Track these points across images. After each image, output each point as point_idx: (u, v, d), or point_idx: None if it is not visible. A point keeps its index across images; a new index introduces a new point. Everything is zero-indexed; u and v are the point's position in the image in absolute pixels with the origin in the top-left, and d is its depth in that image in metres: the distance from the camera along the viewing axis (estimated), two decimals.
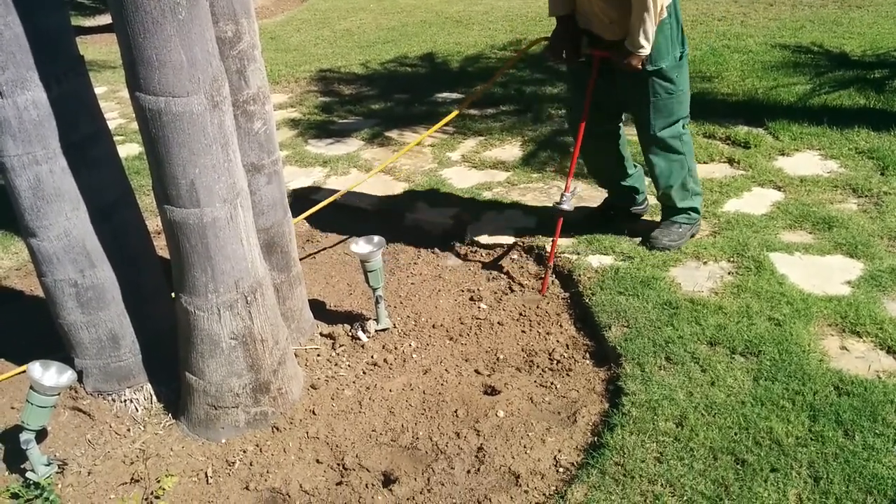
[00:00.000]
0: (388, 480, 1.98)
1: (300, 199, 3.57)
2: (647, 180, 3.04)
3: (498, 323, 2.59)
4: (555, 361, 2.37)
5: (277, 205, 2.32)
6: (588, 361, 2.35)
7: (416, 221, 3.33)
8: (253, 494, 1.97)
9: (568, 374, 2.30)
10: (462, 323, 2.62)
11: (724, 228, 2.89)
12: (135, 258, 2.19)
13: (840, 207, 3.00)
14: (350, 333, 2.58)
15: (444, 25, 7.12)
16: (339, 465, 2.04)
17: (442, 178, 3.66)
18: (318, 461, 2.06)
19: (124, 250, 2.14)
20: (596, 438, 1.98)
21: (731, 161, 3.52)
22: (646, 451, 1.88)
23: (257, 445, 2.12)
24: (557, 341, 2.46)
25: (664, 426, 1.95)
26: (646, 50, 2.36)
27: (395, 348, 2.50)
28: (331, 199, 3.05)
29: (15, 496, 1.95)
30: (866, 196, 3.07)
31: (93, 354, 2.20)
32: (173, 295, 2.09)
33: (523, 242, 3.02)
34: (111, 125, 3.84)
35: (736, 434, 1.90)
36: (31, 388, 1.92)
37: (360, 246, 2.46)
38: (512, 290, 2.79)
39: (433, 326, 2.61)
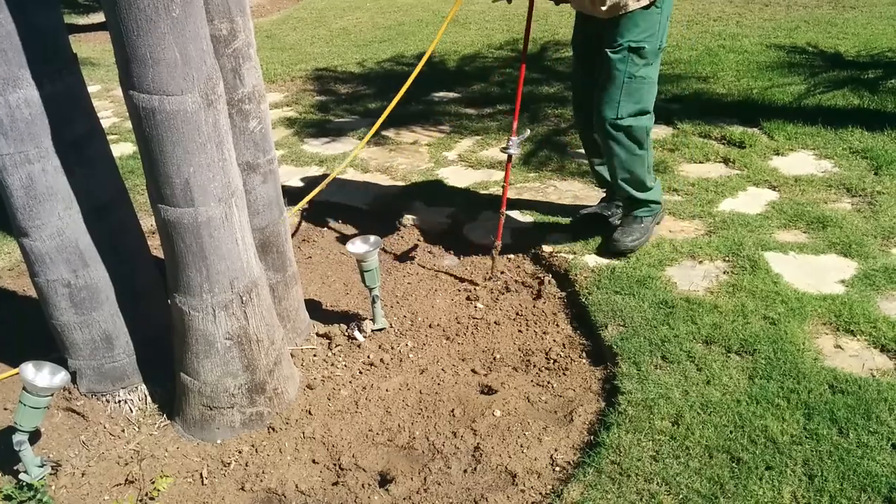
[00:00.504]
0: (384, 480, 1.97)
1: (296, 199, 3.57)
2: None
3: (494, 322, 2.59)
4: (551, 361, 2.37)
5: (273, 204, 2.31)
6: (584, 360, 2.35)
7: (412, 221, 3.33)
8: (248, 495, 1.96)
9: (564, 374, 2.30)
10: (458, 322, 2.62)
11: (720, 228, 2.90)
12: (129, 258, 2.18)
13: (834, 207, 3.01)
14: (346, 333, 2.57)
15: (441, 24, 7.11)
16: (335, 465, 2.04)
17: (438, 178, 3.65)
18: (314, 461, 2.05)
19: (118, 250, 2.13)
20: (592, 437, 1.98)
21: (726, 161, 3.53)
22: (642, 450, 1.88)
23: (253, 446, 2.11)
24: (554, 341, 2.46)
25: (660, 425, 1.95)
26: (604, 6, 2.31)
27: (392, 348, 2.50)
28: (321, 186, 3.04)
29: (8, 498, 1.93)
30: (860, 195, 3.08)
31: (86, 355, 2.19)
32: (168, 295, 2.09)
33: (520, 241, 3.02)
34: (105, 124, 3.83)
35: (731, 432, 1.91)
36: (24, 389, 1.91)
37: (356, 245, 2.46)
38: (508, 290, 2.78)
39: (430, 326, 2.61)
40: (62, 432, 2.19)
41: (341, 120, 4.68)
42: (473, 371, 2.37)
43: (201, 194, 1.82)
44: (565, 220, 3.08)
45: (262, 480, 1.99)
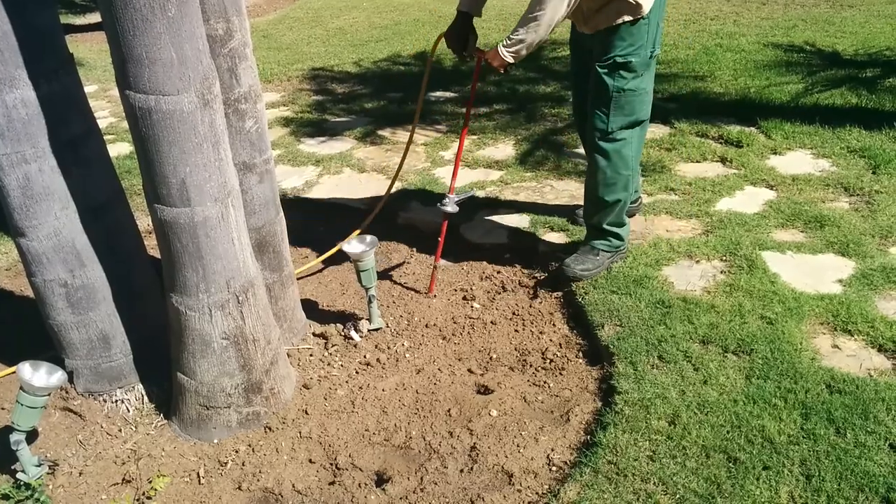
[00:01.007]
0: (381, 480, 1.97)
1: (292, 198, 3.56)
2: (641, 179, 3.05)
3: (491, 322, 2.59)
4: (548, 360, 2.37)
5: (269, 204, 2.31)
6: (581, 360, 2.35)
7: (409, 221, 3.33)
8: (245, 494, 1.96)
9: (561, 373, 2.30)
10: (455, 322, 2.62)
11: (717, 227, 2.90)
12: (125, 258, 2.18)
13: (832, 206, 3.01)
14: (343, 333, 2.57)
15: (438, 24, 7.11)
16: (331, 464, 2.04)
17: (435, 178, 3.65)
18: (310, 461, 2.05)
19: (115, 250, 2.12)
20: (589, 437, 1.99)
21: (723, 160, 3.53)
22: (638, 450, 1.88)
23: (249, 445, 2.11)
24: (550, 340, 2.46)
25: (657, 425, 1.95)
26: (508, 59, 2.30)
27: (388, 348, 2.50)
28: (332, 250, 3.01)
29: (5, 497, 1.93)
30: (858, 195, 3.09)
31: (83, 355, 2.19)
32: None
33: (516, 242, 3.02)
34: (101, 124, 3.82)
35: (728, 432, 1.91)
36: (22, 388, 1.91)
37: (352, 245, 2.45)
38: (505, 290, 2.78)
39: (426, 326, 2.60)
40: (59, 432, 2.19)
41: (338, 119, 4.67)
42: (470, 371, 2.37)
43: (197, 194, 1.82)
44: (562, 220, 3.08)
45: (258, 480, 1.99)
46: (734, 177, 3.33)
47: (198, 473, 2.03)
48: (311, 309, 2.70)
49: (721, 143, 3.75)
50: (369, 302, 2.54)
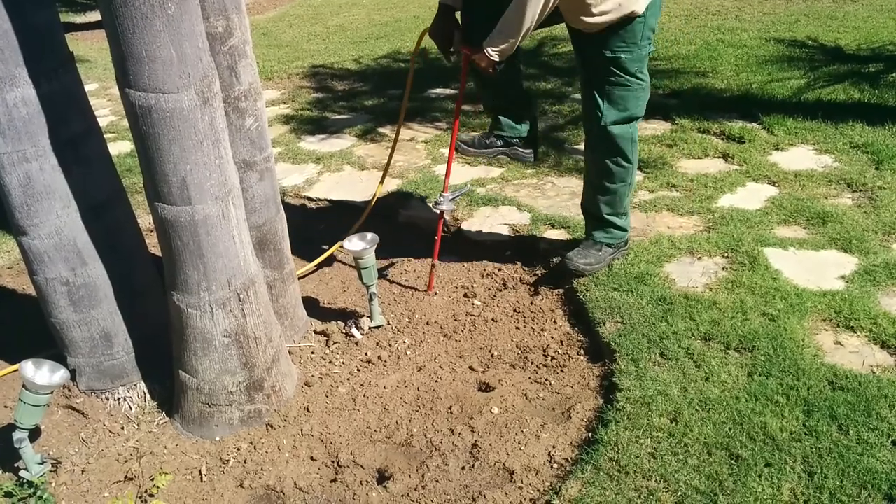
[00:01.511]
0: (382, 477, 1.98)
1: (292, 196, 3.56)
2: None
3: (492, 319, 2.59)
4: (549, 358, 2.37)
5: (270, 202, 2.31)
6: (582, 357, 2.35)
7: (409, 218, 3.32)
8: (247, 492, 1.97)
9: (562, 371, 2.30)
10: (456, 320, 2.62)
11: (719, 224, 2.89)
12: (127, 256, 2.18)
13: (834, 202, 3.01)
14: (344, 331, 2.57)
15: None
16: (333, 462, 2.04)
17: (436, 175, 3.64)
18: (312, 458, 2.06)
19: (116, 248, 2.13)
20: (590, 434, 1.98)
21: (725, 156, 3.52)
22: (640, 447, 1.88)
23: (251, 443, 2.12)
24: (552, 337, 2.46)
25: (658, 422, 1.95)
26: (495, 58, 2.27)
27: (389, 345, 2.50)
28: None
29: (8, 495, 1.94)
30: (861, 191, 3.08)
31: (85, 353, 2.19)
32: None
33: (517, 239, 3.02)
34: (102, 123, 3.82)
35: (730, 429, 1.90)
36: (24, 386, 1.91)
37: (353, 243, 2.45)
38: (506, 287, 2.78)
39: (427, 323, 2.60)
40: (62, 430, 2.20)
41: (338, 117, 4.67)
42: (471, 368, 2.37)
43: (198, 192, 1.82)
44: (563, 217, 3.07)
45: (260, 477, 1.99)
46: (736, 173, 3.32)
47: (200, 471, 2.04)
48: (312, 306, 2.70)
49: (723, 138, 3.74)
50: (370, 299, 2.54)
